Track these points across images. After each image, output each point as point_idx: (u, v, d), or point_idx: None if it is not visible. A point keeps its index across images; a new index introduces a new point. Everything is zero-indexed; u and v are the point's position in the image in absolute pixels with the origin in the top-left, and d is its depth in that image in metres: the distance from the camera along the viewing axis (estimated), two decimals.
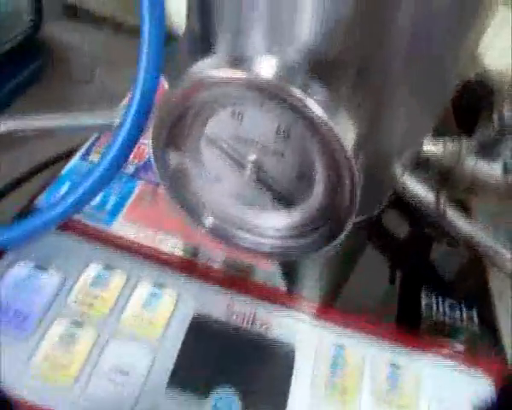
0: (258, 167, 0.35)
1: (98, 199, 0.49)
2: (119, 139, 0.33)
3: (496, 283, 0.49)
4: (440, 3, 0.28)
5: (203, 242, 0.46)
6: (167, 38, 0.31)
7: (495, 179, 0.45)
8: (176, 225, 0.47)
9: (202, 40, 0.35)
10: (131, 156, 0.51)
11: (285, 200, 0.36)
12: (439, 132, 0.46)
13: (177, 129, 0.34)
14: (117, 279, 0.42)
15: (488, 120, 0.46)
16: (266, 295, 0.43)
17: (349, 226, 0.34)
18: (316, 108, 0.29)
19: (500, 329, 0.45)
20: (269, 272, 0.45)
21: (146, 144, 0.53)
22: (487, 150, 0.47)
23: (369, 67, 0.31)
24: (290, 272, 0.46)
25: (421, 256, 0.52)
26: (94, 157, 0.52)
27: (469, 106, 0.56)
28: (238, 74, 0.29)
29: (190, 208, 0.40)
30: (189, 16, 0.37)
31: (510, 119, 0.45)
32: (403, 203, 0.48)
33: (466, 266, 0.51)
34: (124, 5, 0.74)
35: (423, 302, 0.46)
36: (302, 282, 0.46)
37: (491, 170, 0.47)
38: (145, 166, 0.52)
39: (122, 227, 0.46)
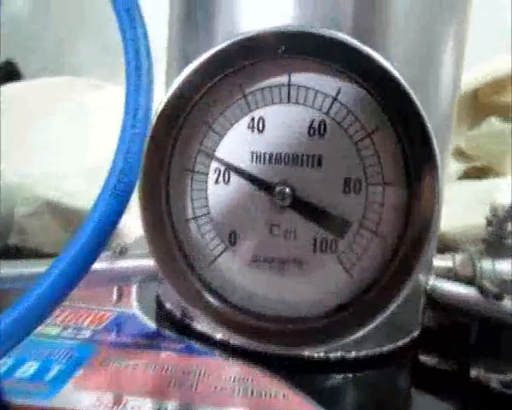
0: (291, 189, 0.26)
1: (32, 370, 0.32)
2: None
3: None
4: None
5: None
6: None
7: None
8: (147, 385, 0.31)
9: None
10: (87, 321, 0.38)
11: (332, 227, 0.26)
12: None
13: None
14: None
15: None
16: None
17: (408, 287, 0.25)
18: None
19: None
20: None
21: (106, 310, 0.40)
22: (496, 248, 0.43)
23: None
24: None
25: None
26: None
27: None
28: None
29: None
30: None
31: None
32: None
33: None
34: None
35: None
36: None
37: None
38: (106, 330, 0.37)
39: (68, 399, 0.30)
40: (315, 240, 0.27)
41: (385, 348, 0.36)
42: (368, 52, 0.23)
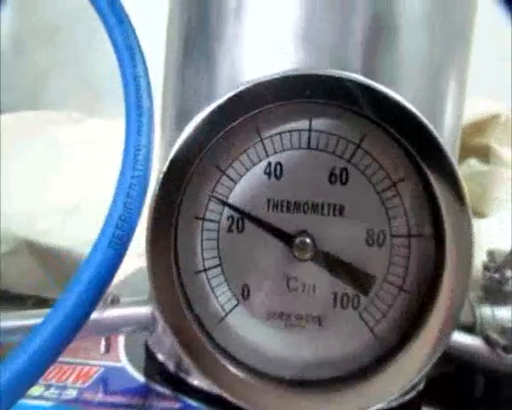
0: (312, 239, 0.24)
1: None
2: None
3: None
4: None
5: None
6: None
7: None
8: None
9: None
10: (72, 378, 0.34)
11: (356, 282, 0.24)
12: None
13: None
14: None
15: None
16: None
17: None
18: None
19: None
20: None
21: (93, 365, 0.36)
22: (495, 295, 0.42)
23: None
24: None
25: None
26: None
27: None
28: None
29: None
30: None
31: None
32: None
33: None
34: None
35: None
36: None
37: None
38: (93, 388, 0.33)
39: None
40: (335, 295, 0.24)
41: (393, 403, 0.33)
42: (396, 98, 0.22)
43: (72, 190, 0.69)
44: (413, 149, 0.22)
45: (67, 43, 1.01)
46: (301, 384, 0.24)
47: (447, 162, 0.22)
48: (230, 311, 0.25)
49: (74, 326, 0.26)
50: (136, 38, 0.32)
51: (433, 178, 0.22)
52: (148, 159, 0.30)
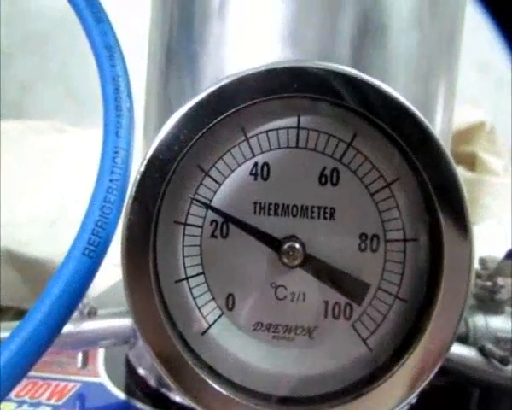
0: (302, 245, 0.22)
1: None
2: None
3: None
4: None
5: None
6: None
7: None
8: None
9: None
10: (46, 394, 0.31)
11: (348, 290, 0.22)
12: None
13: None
14: None
15: None
16: None
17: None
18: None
19: None
20: None
21: (69, 380, 0.34)
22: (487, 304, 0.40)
23: None
24: None
25: None
26: None
27: None
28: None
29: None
30: None
31: None
32: None
33: None
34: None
35: None
36: None
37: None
38: (68, 405, 0.31)
39: None
40: (326, 304, 0.22)
41: None
42: (389, 91, 0.20)
43: (53, 200, 0.67)
44: (407, 146, 0.21)
45: (54, 54, 0.99)
46: (289, 402, 0.22)
47: (444, 160, 0.20)
48: (214, 322, 0.23)
49: (44, 340, 0.24)
50: (115, 37, 0.30)
51: (428, 178, 0.20)
52: (127, 162, 0.28)
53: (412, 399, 0.35)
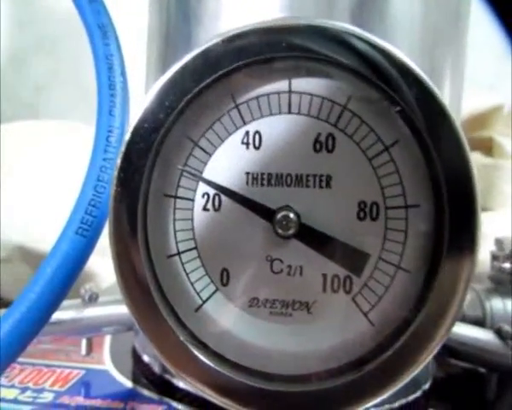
0: (296, 215, 0.21)
1: None
2: None
3: None
4: None
5: None
6: None
7: None
8: None
9: None
10: (50, 381, 0.31)
11: (346, 261, 0.20)
12: None
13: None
14: None
15: None
16: None
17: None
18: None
19: None
20: None
21: (73, 367, 0.33)
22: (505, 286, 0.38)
23: None
24: None
25: None
26: None
27: None
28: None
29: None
30: None
31: None
32: None
33: None
34: None
35: None
36: None
37: None
38: (71, 391, 0.30)
39: None
40: (324, 277, 0.21)
41: (396, 405, 0.30)
42: (386, 47, 0.19)
43: (66, 198, 0.67)
44: (407, 106, 0.19)
45: (67, 55, 0.99)
46: (287, 380, 0.20)
47: (447, 119, 0.19)
48: (208, 299, 0.22)
49: (37, 321, 0.23)
50: (108, 16, 0.30)
51: (430, 139, 0.19)
52: (120, 141, 0.27)
53: (425, 384, 0.34)
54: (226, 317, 0.22)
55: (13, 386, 0.31)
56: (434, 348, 0.19)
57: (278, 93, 0.21)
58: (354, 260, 0.21)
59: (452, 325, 0.19)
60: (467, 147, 0.19)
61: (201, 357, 0.21)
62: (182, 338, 0.21)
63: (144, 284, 0.21)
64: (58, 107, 0.96)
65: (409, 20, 0.29)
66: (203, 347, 0.21)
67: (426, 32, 0.30)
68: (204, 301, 0.22)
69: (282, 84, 0.21)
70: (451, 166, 0.19)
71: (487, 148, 0.69)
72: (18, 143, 0.71)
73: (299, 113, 0.21)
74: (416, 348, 0.19)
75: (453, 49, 0.33)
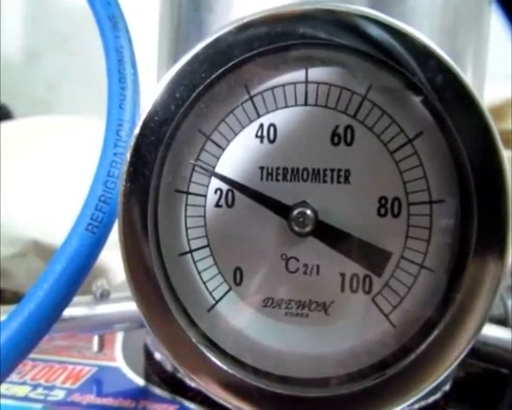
0: (313, 211, 0.19)
1: None
2: None
3: None
4: None
5: None
6: None
7: None
8: None
9: None
10: (61, 378, 0.30)
11: (366, 260, 0.19)
12: None
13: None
14: None
15: None
16: None
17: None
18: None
19: None
20: None
21: (85, 364, 0.32)
22: None
23: None
24: None
25: None
26: None
27: None
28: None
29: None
30: None
31: None
32: None
33: None
34: None
35: None
36: None
37: None
38: (83, 389, 0.30)
39: None
40: (343, 277, 0.20)
41: (415, 407, 0.29)
42: (411, 32, 0.18)
43: (78, 192, 0.66)
44: (432, 95, 0.18)
45: (80, 51, 0.99)
46: (304, 383, 0.19)
47: (475, 108, 0.17)
48: (221, 298, 0.21)
49: (46, 318, 0.22)
50: (118, 6, 0.29)
51: (456, 129, 0.18)
52: (131, 134, 0.27)
53: (445, 386, 0.33)
54: (240, 317, 0.21)
55: (24, 383, 0.30)
56: (461, 353, 0.18)
57: (294, 83, 0.20)
58: (375, 258, 0.19)
59: (480, 328, 0.18)
60: (497, 136, 0.18)
61: (214, 359, 0.20)
62: (194, 339, 0.20)
63: (155, 283, 0.20)
64: (71, 103, 0.96)
65: (429, 1, 0.28)
66: (216, 348, 0.20)
67: (447, 15, 0.29)
68: (217, 301, 0.21)
69: (298, 74, 0.19)
70: (479, 158, 0.18)
71: (506, 140, 0.66)
72: (31, 139, 0.71)
73: (316, 104, 0.20)
74: (441, 351, 0.18)
75: (475, 33, 0.31)
